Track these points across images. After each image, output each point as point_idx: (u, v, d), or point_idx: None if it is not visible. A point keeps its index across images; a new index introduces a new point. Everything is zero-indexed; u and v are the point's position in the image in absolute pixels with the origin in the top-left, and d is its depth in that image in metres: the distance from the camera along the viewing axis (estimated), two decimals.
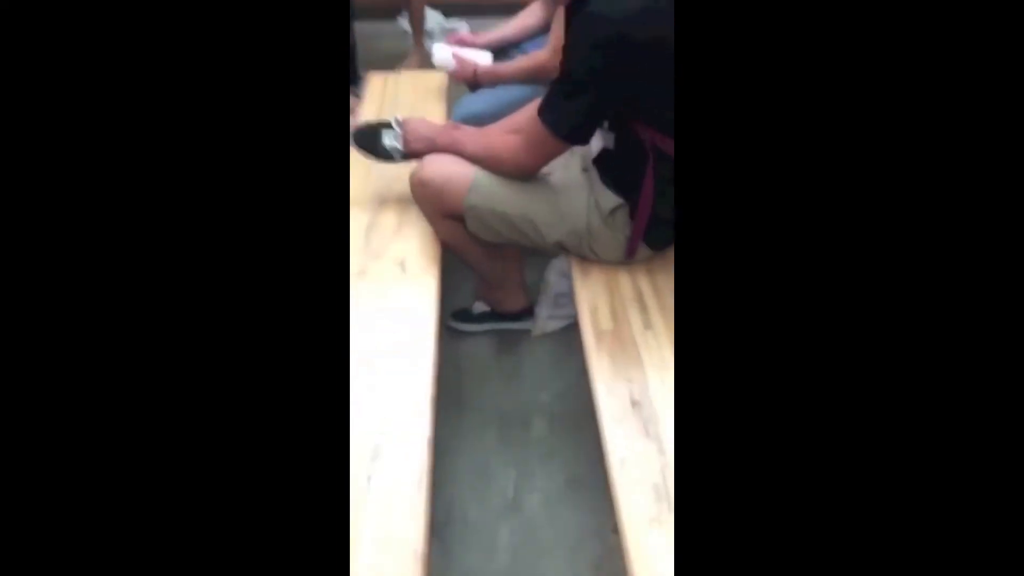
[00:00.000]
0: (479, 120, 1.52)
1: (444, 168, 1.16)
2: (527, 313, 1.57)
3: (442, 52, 1.65)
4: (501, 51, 1.72)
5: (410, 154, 1.20)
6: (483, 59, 1.63)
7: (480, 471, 1.34)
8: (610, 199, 1.13)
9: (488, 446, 1.38)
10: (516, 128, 1.27)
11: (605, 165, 1.15)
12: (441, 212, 1.19)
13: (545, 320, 1.61)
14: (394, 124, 1.24)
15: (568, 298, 1.65)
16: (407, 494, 0.83)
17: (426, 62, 2.66)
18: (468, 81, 1.66)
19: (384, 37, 2.86)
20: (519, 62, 1.55)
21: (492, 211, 1.15)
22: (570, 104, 1.00)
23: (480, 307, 1.56)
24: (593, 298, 1.14)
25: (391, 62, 2.45)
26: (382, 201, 1.36)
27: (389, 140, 1.21)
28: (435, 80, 1.75)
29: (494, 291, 1.51)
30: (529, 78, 1.54)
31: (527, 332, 1.59)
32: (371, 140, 1.25)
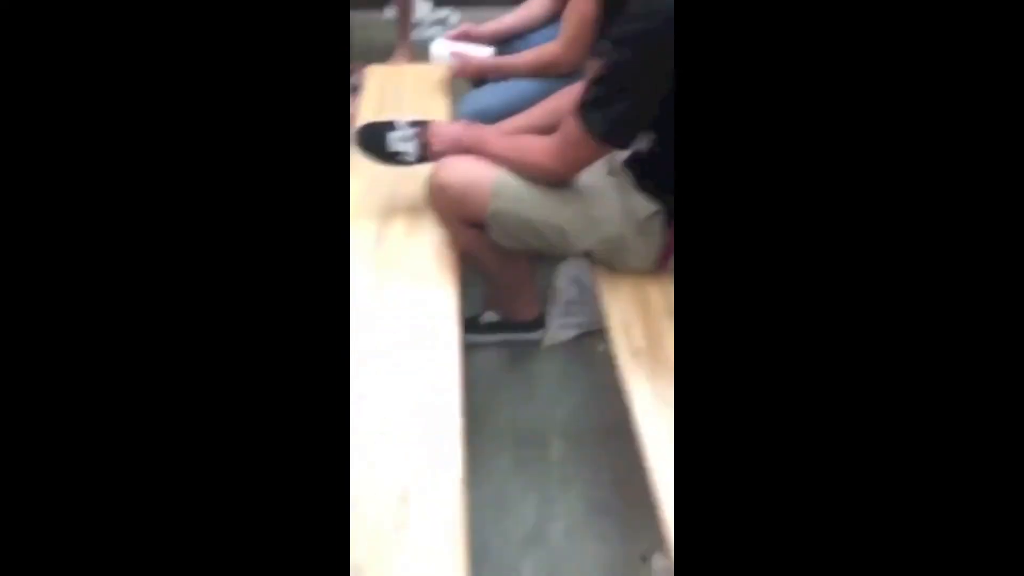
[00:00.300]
0: (489, 116, 1.43)
1: (464, 171, 1.06)
2: (538, 322, 1.48)
3: (441, 48, 1.57)
4: (505, 42, 1.63)
5: (432, 157, 1.09)
6: (484, 55, 1.54)
7: (498, 499, 1.25)
8: (645, 205, 1.05)
9: (505, 471, 1.29)
10: (534, 124, 1.18)
11: (640, 169, 1.06)
12: (461, 219, 1.09)
13: (556, 329, 1.52)
14: (402, 124, 1.13)
15: (579, 305, 1.57)
16: (441, 546, 0.73)
17: (415, 55, 2.56)
18: (472, 76, 1.57)
19: (369, 27, 2.73)
20: (528, 55, 1.46)
21: (517, 218, 1.05)
22: (612, 104, 0.91)
23: (490, 316, 1.46)
24: (624, 315, 1.06)
25: (378, 55, 2.33)
26: (390, 207, 1.25)
27: (398, 142, 1.11)
28: (437, 73, 1.65)
29: (508, 300, 1.41)
30: (539, 72, 1.45)
31: (536, 342, 1.50)
32: (377, 141, 1.14)
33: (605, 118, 0.92)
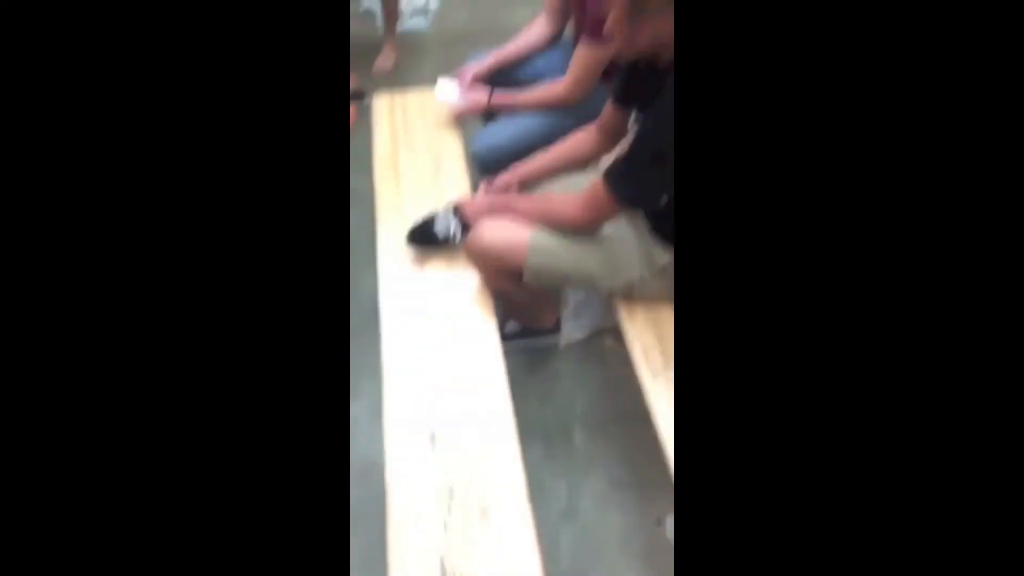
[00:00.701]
0: (501, 153, 1.57)
1: (501, 235, 1.22)
2: (556, 327, 1.68)
3: (446, 88, 1.64)
4: (507, 70, 1.73)
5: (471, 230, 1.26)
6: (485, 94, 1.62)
7: (534, 484, 1.49)
8: (662, 254, 1.21)
9: (538, 461, 1.53)
10: (548, 169, 1.35)
11: (657, 221, 1.21)
12: (499, 272, 1.27)
13: (570, 331, 1.73)
14: (440, 213, 1.31)
15: (587, 307, 1.78)
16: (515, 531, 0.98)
17: (402, 54, 2.59)
18: (481, 112, 1.66)
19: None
20: (536, 94, 1.58)
21: (551, 268, 1.22)
22: (641, 176, 1.05)
23: (512, 326, 1.66)
24: (643, 340, 1.26)
25: (359, 52, 2.33)
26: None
27: (444, 226, 1.28)
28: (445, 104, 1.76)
29: (530, 315, 1.61)
30: (547, 108, 1.57)
31: (551, 345, 1.71)
32: (426, 236, 1.32)
33: (631, 186, 1.07)
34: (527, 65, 1.73)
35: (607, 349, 1.71)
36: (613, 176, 1.08)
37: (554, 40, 1.74)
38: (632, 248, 1.22)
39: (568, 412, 1.63)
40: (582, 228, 1.20)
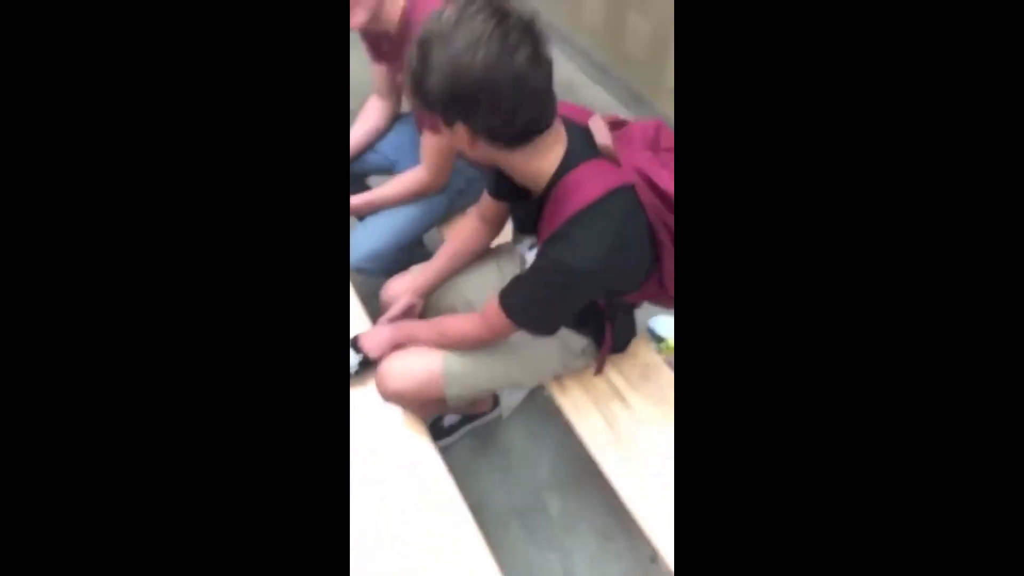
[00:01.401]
0: (382, 259, 1.51)
1: (412, 375, 1.15)
2: (495, 402, 1.66)
3: None
4: (354, 165, 1.66)
5: (374, 362, 1.21)
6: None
7: (525, 566, 1.48)
8: (577, 341, 1.20)
9: (520, 540, 1.51)
10: (443, 272, 1.30)
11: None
12: (421, 406, 1.21)
13: (509, 399, 1.72)
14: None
15: None
16: None
17: None
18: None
19: None
20: (397, 186, 1.50)
21: (473, 390, 1.19)
22: (539, 308, 1.01)
23: (452, 419, 1.63)
24: (576, 407, 1.28)
25: None
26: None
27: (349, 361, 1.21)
28: None
29: (467, 408, 1.58)
30: (411, 200, 1.52)
31: (496, 419, 1.69)
32: None
33: (528, 316, 1.01)
34: (373, 153, 1.68)
35: (549, 400, 1.71)
36: (509, 301, 1.02)
37: (394, 119, 1.68)
38: (548, 345, 1.19)
39: (534, 481, 1.62)
40: (483, 346, 1.16)
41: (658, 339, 1.84)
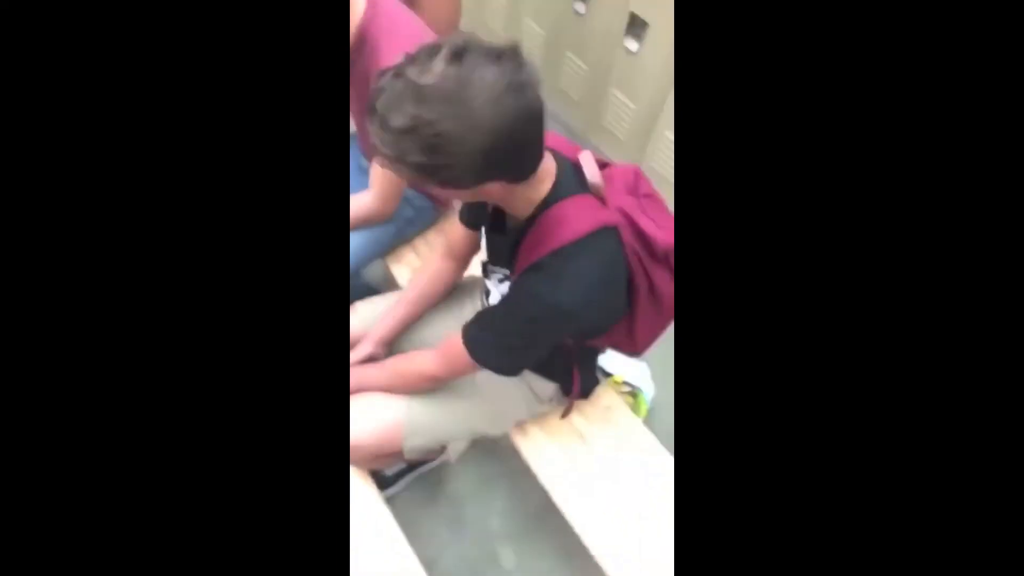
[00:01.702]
0: None
1: (371, 425, 1.06)
2: (441, 449, 1.57)
3: None
4: None
5: None
6: None
7: None
8: (545, 387, 1.15)
9: None
10: (406, 319, 1.20)
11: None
12: (375, 458, 1.12)
13: (456, 443, 1.63)
14: None
15: None
16: None
17: None
18: None
19: None
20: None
21: (433, 440, 1.11)
22: (504, 346, 0.94)
23: (395, 467, 1.52)
24: (539, 451, 1.21)
25: None
26: None
27: None
28: None
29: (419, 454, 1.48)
30: (364, 226, 1.42)
31: (444, 463, 1.60)
32: None
33: (491, 356, 0.94)
34: None
35: (501, 442, 1.63)
36: (472, 336, 0.95)
37: None
38: (512, 391, 1.13)
39: (486, 533, 1.52)
40: (441, 384, 1.08)
41: (606, 375, 1.82)
